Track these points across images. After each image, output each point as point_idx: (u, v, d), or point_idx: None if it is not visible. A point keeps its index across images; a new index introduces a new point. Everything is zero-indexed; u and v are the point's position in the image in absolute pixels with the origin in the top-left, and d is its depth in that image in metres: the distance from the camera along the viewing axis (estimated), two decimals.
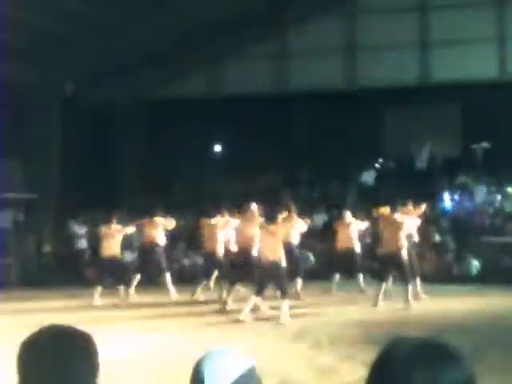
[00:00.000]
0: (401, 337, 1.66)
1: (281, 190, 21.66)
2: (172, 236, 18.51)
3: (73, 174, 21.87)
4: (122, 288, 15.65)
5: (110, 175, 24.07)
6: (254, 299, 12.70)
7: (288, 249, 13.66)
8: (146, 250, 16.62)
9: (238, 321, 12.34)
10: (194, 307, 14.37)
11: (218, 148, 26.72)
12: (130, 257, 19.09)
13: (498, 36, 21.90)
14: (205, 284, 15.66)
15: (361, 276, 15.64)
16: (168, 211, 18.53)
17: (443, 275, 17.68)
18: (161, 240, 16.50)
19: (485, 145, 21.35)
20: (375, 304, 13.76)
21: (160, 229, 16.51)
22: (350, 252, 15.68)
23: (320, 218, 20.83)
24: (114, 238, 15.78)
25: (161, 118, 23.98)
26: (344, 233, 15.86)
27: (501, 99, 20.44)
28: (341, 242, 15.86)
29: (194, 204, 21.91)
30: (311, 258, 18.83)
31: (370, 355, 1.67)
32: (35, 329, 2.07)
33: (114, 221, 15.89)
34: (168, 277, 16.20)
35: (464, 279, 17.47)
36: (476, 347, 8.95)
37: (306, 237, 16.26)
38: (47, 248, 20.86)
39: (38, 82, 20.80)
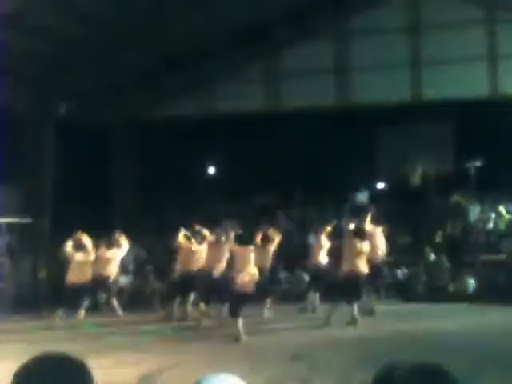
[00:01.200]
0: (397, 360, 1.65)
1: (275, 211, 21.69)
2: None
3: (68, 196, 21.81)
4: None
5: (103, 197, 24.03)
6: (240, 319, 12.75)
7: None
8: None
9: (235, 340, 12.33)
10: (190, 330, 14.31)
11: (211, 169, 26.73)
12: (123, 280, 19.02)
13: (489, 54, 22.03)
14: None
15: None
16: (161, 233, 18.54)
17: (439, 294, 17.66)
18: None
19: (478, 163, 21.38)
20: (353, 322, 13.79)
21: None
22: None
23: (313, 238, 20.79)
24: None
25: (154, 138, 24.00)
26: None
27: (493, 117, 20.52)
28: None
29: (187, 225, 21.87)
30: (306, 277, 18.79)
31: (366, 377, 1.66)
32: (28, 356, 2.05)
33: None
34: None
35: (460, 297, 17.44)
36: (473, 366, 8.92)
37: (301, 257, 16.31)
38: (43, 273, 20.76)
39: (30, 105, 20.81)
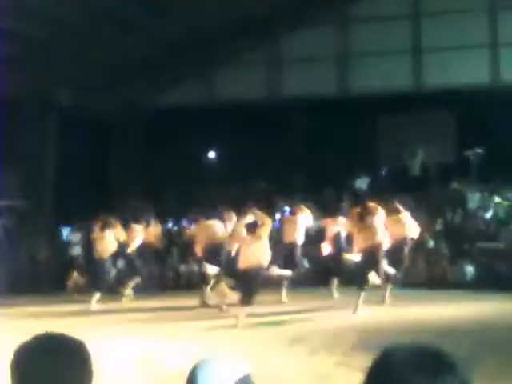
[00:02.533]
0: (396, 344, 1.66)
1: (275, 198, 21.67)
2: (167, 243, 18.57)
3: (67, 182, 21.84)
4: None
5: (104, 183, 24.07)
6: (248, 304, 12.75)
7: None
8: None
9: (233, 326, 12.34)
10: (189, 313, 14.36)
11: (212, 155, 26.73)
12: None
13: (490, 42, 21.98)
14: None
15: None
16: (163, 218, 18.54)
17: (437, 281, 17.68)
18: None
19: (478, 151, 21.37)
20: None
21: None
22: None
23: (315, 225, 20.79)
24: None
25: (156, 126, 23.99)
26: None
27: (494, 105, 20.48)
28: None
29: (189, 211, 21.89)
30: (305, 263, 18.81)
31: (365, 361, 1.67)
32: (28, 337, 2.05)
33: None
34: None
35: (458, 285, 17.46)
36: (471, 353, 8.94)
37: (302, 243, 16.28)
38: (41, 256, 20.80)
39: (33, 92, 20.79)
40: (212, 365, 1.93)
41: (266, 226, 13.57)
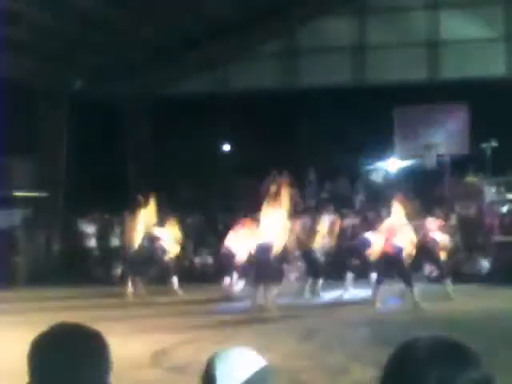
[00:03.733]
0: (415, 336, 1.64)
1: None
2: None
3: (81, 172, 21.88)
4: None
5: (119, 174, 24.07)
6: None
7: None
8: None
9: (246, 320, 12.37)
10: (204, 306, 14.37)
11: (226, 146, 26.71)
12: None
13: (506, 35, 21.85)
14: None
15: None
16: (175, 209, 18.51)
17: (452, 275, 17.60)
18: None
19: (494, 144, 21.24)
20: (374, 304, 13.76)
21: None
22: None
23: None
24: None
25: (169, 115, 23.95)
26: None
27: (509, 98, 20.34)
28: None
29: (202, 202, 21.92)
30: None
31: (380, 355, 1.65)
32: (45, 327, 2.05)
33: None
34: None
35: (473, 278, 17.39)
36: (487, 347, 8.86)
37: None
38: (56, 246, 20.89)
39: (46, 80, 20.81)
40: (230, 356, 1.93)
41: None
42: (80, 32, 19.34)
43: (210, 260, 19.53)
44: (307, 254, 15.91)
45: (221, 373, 1.87)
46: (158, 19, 20.54)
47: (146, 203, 16.11)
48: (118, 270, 18.34)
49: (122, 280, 16.68)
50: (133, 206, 16.60)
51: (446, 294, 14.69)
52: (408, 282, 13.74)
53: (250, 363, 1.92)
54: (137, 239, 16.14)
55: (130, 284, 15.96)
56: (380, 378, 1.61)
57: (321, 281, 15.51)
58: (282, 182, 13.85)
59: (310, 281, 15.68)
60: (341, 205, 20.59)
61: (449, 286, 14.97)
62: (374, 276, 14.87)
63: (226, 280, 15.39)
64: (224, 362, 1.90)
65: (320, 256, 15.68)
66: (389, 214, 15.09)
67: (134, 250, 16.20)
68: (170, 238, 16.41)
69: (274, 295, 13.11)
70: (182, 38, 22.13)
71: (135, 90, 23.64)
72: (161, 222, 16.76)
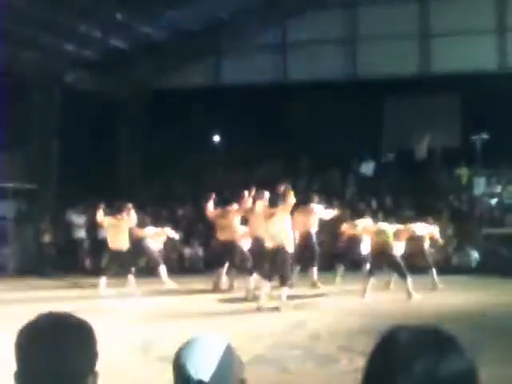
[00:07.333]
0: (400, 325, 1.64)
1: (280, 181, 21.60)
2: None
3: (72, 164, 21.84)
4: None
5: (109, 165, 24.04)
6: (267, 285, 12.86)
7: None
8: None
9: (235, 311, 12.38)
10: (194, 296, 14.39)
11: (217, 138, 26.70)
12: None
13: (498, 27, 21.89)
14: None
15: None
16: (167, 201, 18.50)
17: (442, 266, 17.66)
18: None
19: (484, 136, 21.30)
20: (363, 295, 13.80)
21: None
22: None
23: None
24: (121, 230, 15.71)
25: (160, 108, 23.95)
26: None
27: (500, 90, 20.41)
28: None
29: (193, 194, 21.90)
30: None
31: (368, 345, 1.65)
32: (33, 316, 2.05)
33: (125, 214, 15.79)
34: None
35: (463, 270, 17.46)
36: (476, 338, 8.93)
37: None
38: (46, 237, 20.87)
39: (38, 72, 20.75)
40: (195, 341, 2.01)
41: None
42: (71, 24, 19.30)
43: (200, 251, 19.55)
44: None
45: (189, 361, 1.94)
46: (149, 12, 20.52)
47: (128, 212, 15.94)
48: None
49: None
50: (119, 207, 16.42)
51: (434, 285, 14.77)
52: (402, 273, 13.79)
53: (214, 345, 2.00)
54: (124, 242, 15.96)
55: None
56: (365, 368, 1.62)
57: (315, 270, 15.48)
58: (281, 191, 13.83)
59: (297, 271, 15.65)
60: (331, 197, 20.64)
61: (434, 276, 15.02)
62: (366, 267, 14.97)
63: (220, 271, 15.40)
64: (190, 348, 1.97)
65: (312, 247, 15.64)
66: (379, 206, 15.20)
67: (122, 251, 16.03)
68: (154, 234, 16.46)
69: (268, 286, 13.08)
70: (174, 30, 22.10)
71: (127, 82, 23.61)
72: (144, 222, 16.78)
